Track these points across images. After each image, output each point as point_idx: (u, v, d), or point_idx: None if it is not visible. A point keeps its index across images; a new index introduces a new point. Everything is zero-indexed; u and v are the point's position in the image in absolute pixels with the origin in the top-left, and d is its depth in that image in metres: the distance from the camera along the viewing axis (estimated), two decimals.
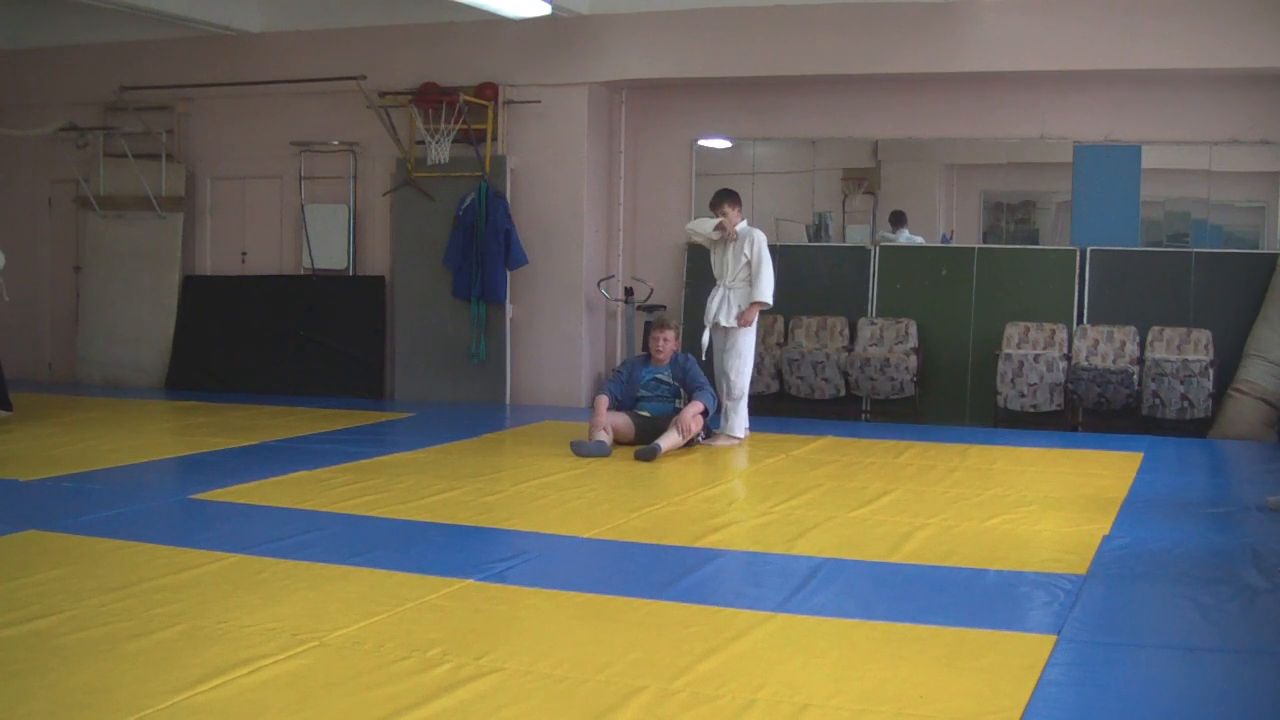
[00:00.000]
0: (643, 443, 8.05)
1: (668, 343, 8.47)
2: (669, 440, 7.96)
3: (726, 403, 8.68)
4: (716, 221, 8.68)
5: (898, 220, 10.80)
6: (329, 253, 11.51)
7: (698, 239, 8.98)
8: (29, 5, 11.54)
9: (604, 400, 8.31)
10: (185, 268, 11.94)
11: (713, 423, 8.60)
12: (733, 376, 8.68)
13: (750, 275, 8.60)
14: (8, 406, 9.33)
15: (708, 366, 8.79)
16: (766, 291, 8.57)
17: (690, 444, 8.21)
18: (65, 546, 5.37)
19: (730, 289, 8.67)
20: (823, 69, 10.23)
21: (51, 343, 12.49)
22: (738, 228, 8.65)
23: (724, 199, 8.72)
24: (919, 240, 10.70)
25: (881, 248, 10.63)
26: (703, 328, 8.85)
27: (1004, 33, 9.73)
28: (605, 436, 8.05)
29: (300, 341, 11.48)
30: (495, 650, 3.98)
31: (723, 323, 8.67)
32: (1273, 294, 9.47)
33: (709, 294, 8.82)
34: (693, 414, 8.09)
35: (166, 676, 3.68)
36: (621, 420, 8.29)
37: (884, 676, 3.78)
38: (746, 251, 8.61)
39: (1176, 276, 9.84)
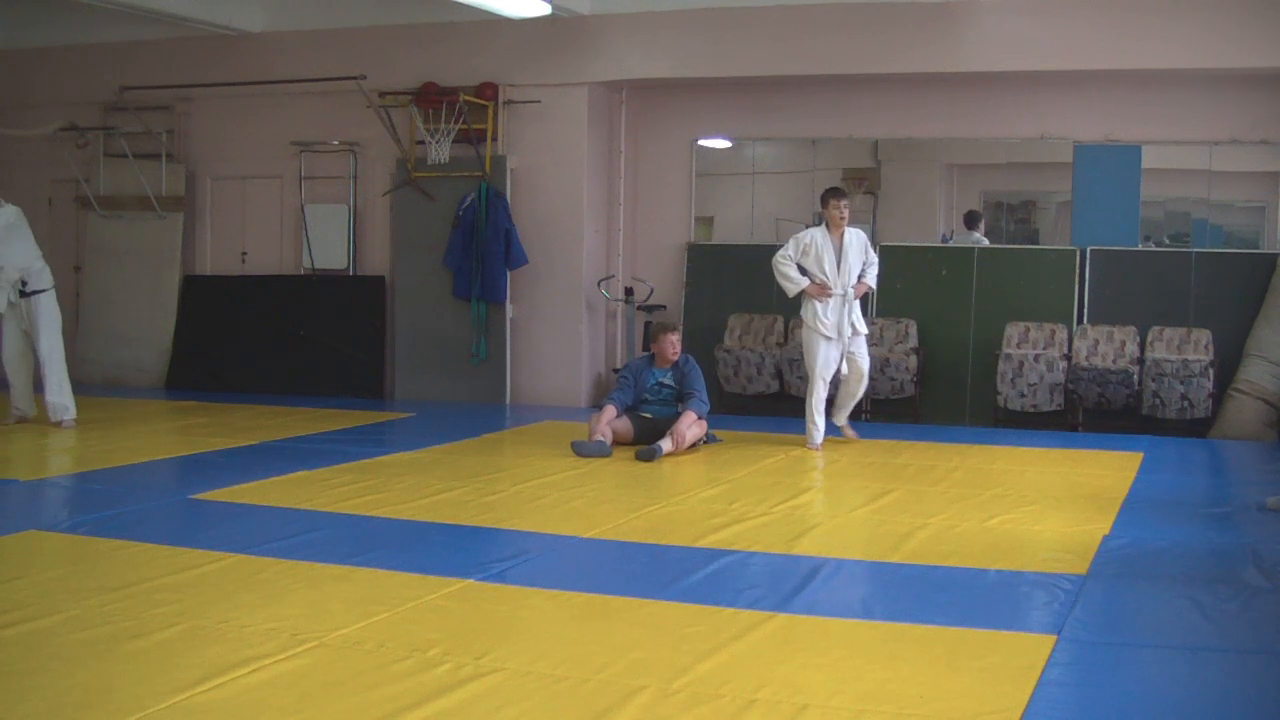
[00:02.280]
0: (642, 444, 8.04)
1: (675, 345, 8.46)
2: (668, 445, 7.96)
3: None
4: (805, 284, 8.48)
5: (972, 220, 10.68)
6: (329, 253, 11.51)
7: (786, 283, 8.61)
8: (29, 5, 11.53)
9: (611, 410, 8.25)
10: (185, 268, 11.95)
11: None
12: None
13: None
14: None
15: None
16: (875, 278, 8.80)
17: (693, 447, 8.22)
18: (65, 546, 5.38)
19: (846, 294, 8.54)
20: (823, 69, 10.23)
21: None
22: (847, 230, 8.59)
23: (843, 193, 8.66)
24: (985, 242, 10.59)
25: (881, 247, 10.61)
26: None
27: (1004, 33, 9.73)
28: (605, 436, 8.04)
29: (300, 341, 11.48)
30: (495, 650, 3.97)
31: (861, 330, 8.66)
32: (1273, 294, 9.47)
33: (816, 309, 8.46)
34: (687, 424, 8.08)
35: (166, 676, 3.69)
36: (621, 421, 8.27)
37: (884, 676, 3.78)
38: (865, 253, 8.66)
39: (1176, 276, 9.85)
